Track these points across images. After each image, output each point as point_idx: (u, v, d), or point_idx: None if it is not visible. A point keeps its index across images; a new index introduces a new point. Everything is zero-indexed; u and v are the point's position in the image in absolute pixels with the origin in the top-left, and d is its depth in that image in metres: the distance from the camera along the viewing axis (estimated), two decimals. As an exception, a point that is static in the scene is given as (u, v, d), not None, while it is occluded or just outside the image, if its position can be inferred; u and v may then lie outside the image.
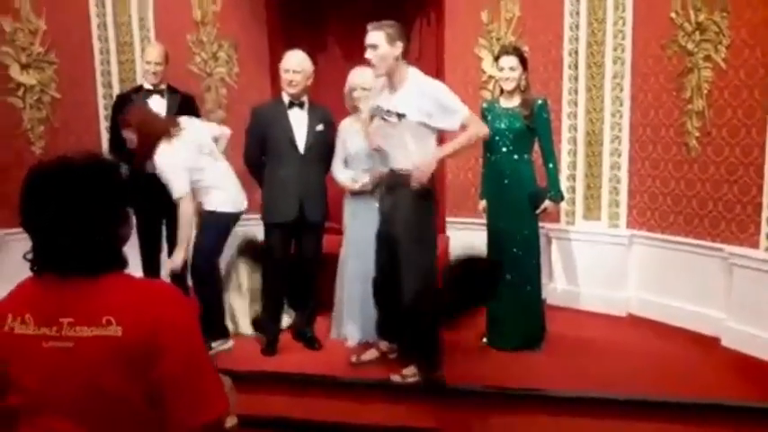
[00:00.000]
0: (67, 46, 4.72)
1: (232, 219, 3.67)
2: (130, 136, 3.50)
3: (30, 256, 1.34)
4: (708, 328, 3.86)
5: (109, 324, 1.24)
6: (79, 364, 1.24)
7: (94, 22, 4.79)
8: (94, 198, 1.30)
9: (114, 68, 4.84)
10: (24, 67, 4.59)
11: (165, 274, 4.03)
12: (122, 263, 1.37)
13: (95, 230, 1.30)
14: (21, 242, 1.37)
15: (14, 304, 1.31)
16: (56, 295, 1.29)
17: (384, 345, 3.53)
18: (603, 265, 4.36)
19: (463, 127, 3.07)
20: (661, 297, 4.16)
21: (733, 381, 3.34)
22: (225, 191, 3.60)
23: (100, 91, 4.86)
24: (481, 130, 3.16)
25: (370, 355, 3.53)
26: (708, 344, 3.78)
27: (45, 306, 1.29)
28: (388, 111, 3.07)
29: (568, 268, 4.54)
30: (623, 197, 4.33)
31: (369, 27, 3.10)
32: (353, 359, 3.52)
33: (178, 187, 3.41)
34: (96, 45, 4.83)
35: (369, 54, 3.07)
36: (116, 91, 4.73)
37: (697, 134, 3.89)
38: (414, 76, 3.11)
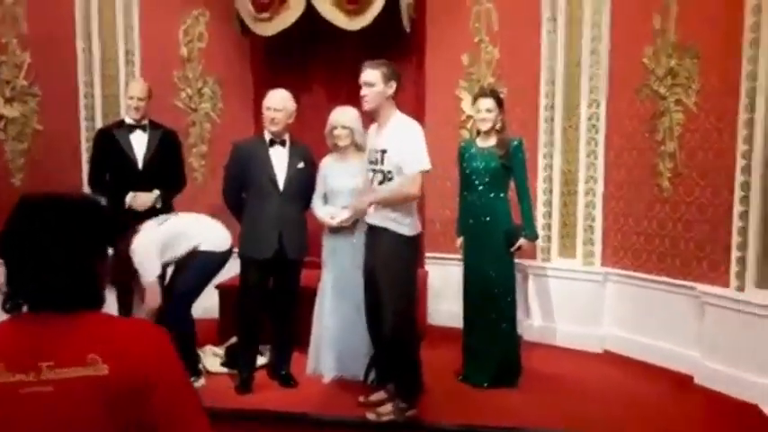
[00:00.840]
0: (52, 79, 4.78)
1: (218, 259, 3.69)
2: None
3: (3, 290, 1.28)
4: (681, 366, 3.91)
5: (94, 362, 1.20)
6: (61, 409, 1.19)
7: (80, 56, 4.86)
8: (82, 233, 1.28)
9: (98, 102, 4.90)
10: (8, 100, 4.64)
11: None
12: (101, 300, 1.34)
13: (80, 266, 1.27)
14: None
15: None
16: (30, 337, 1.23)
17: (392, 387, 3.43)
18: (579, 301, 4.41)
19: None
20: (635, 334, 4.22)
21: (705, 421, 3.38)
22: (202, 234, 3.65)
23: (83, 124, 4.91)
24: (413, 191, 3.13)
25: (378, 396, 3.46)
26: (681, 382, 3.83)
27: (19, 350, 1.22)
28: (375, 149, 3.21)
29: (545, 305, 4.59)
30: (598, 235, 4.41)
31: (365, 65, 3.20)
32: (361, 399, 3.47)
33: (150, 270, 3.44)
34: (81, 78, 4.90)
35: (364, 91, 3.17)
36: (99, 124, 4.77)
37: (669, 175, 4.00)
38: (398, 116, 3.24)
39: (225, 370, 3.92)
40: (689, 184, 3.91)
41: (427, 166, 3.14)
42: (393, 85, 3.17)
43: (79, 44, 4.85)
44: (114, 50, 4.88)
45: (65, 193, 1.32)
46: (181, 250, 3.58)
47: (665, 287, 4.05)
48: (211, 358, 4.02)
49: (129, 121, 3.98)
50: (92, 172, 4.08)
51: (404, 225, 3.18)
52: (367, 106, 3.21)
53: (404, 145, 3.13)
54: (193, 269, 3.61)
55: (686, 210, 3.93)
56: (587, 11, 4.26)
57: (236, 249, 3.76)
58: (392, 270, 3.18)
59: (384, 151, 3.17)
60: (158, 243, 3.49)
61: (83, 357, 1.20)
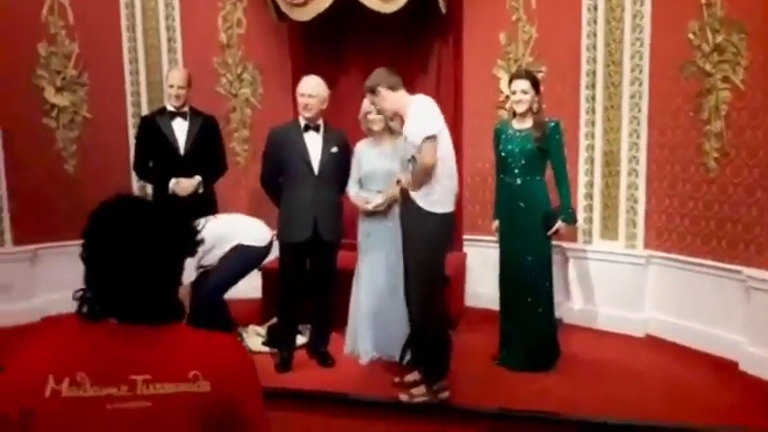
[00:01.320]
0: (99, 68, 4.93)
1: (257, 254, 3.79)
2: None
3: (79, 295, 1.18)
4: (726, 351, 3.81)
5: (196, 379, 1.15)
6: (156, 426, 1.13)
7: (126, 45, 5.00)
8: (175, 240, 1.22)
9: (143, 89, 5.04)
10: (58, 89, 4.82)
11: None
12: (184, 311, 1.27)
13: (172, 274, 1.22)
14: (55, 257, 1.36)
15: (54, 361, 1.12)
16: (118, 349, 1.14)
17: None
18: (621, 285, 4.33)
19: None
20: (679, 318, 4.12)
21: (750, 407, 3.29)
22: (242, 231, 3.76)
23: (129, 111, 5.06)
24: (425, 160, 3.08)
25: (413, 376, 3.49)
26: (725, 368, 3.73)
27: (106, 362, 1.13)
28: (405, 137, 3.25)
29: (586, 288, 4.52)
30: (640, 217, 4.30)
31: (366, 89, 3.34)
32: (396, 380, 3.51)
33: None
34: (127, 67, 5.03)
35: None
36: (144, 111, 4.91)
37: (715, 155, 3.86)
38: (410, 101, 3.27)
39: (266, 349, 4.03)
40: (736, 165, 3.76)
41: (429, 131, 3.09)
42: (398, 87, 3.27)
43: (124, 33, 4.97)
44: (157, 38, 5.00)
45: (147, 199, 1.31)
46: (219, 253, 3.68)
47: (711, 270, 3.93)
48: (254, 338, 4.14)
49: (170, 108, 4.09)
50: (137, 158, 4.22)
51: (430, 200, 3.16)
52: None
53: (408, 122, 3.18)
54: (232, 261, 3.71)
55: (734, 191, 3.79)
56: (629, -14, 4.12)
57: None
58: (419, 252, 3.20)
59: (406, 138, 3.21)
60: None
61: (184, 373, 1.15)
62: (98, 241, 1.18)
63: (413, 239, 3.23)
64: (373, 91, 3.27)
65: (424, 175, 3.13)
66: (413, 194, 3.18)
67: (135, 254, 1.15)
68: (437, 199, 3.18)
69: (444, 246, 3.36)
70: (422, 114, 3.15)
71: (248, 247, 3.73)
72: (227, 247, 3.68)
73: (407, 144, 3.20)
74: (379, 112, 3.48)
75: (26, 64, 4.71)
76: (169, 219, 1.23)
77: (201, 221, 3.71)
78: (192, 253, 1.27)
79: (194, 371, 1.15)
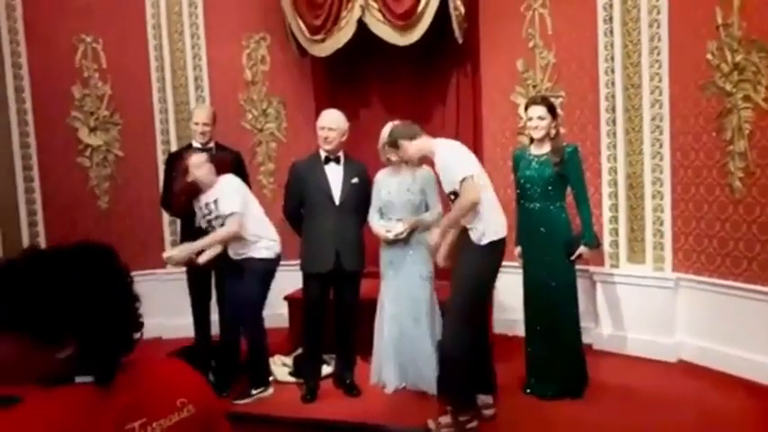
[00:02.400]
0: (130, 108, 5.12)
1: (273, 265, 3.84)
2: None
3: (62, 356, 1.12)
4: (761, 376, 3.70)
5: (184, 405, 1.21)
6: None
7: (155, 85, 5.19)
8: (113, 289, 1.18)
9: (172, 127, 5.20)
10: (92, 129, 5.01)
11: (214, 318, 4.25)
12: (134, 344, 1.23)
13: (120, 317, 1.19)
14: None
15: None
16: (104, 403, 1.12)
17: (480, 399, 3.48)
18: (650, 308, 4.25)
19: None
20: (712, 343, 4.02)
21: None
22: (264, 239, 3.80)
23: (159, 148, 5.22)
24: (468, 198, 3.12)
25: (447, 419, 3.39)
26: (763, 394, 3.61)
27: (99, 422, 1.10)
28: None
29: (614, 312, 4.45)
30: (667, 240, 4.24)
31: (389, 146, 3.49)
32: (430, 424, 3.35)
33: (234, 203, 3.65)
34: (156, 106, 5.21)
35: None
36: (173, 148, 5.06)
37: (740, 175, 3.80)
38: (434, 145, 3.35)
39: (293, 379, 4.05)
40: (762, 184, 3.69)
41: (467, 171, 3.15)
42: (418, 135, 3.34)
43: (153, 74, 5.16)
44: (184, 78, 5.17)
45: (68, 245, 1.18)
46: (222, 210, 3.70)
47: (742, 293, 3.84)
48: (281, 368, 4.17)
49: (196, 144, 4.21)
50: (164, 194, 4.34)
51: (475, 230, 3.22)
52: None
53: (440, 170, 3.28)
54: (250, 277, 3.77)
55: (761, 212, 3.72)
56: (644, 9, 4.12)
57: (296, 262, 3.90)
58: (458, 280, 3.26)
59: (439, 182, 3.34)
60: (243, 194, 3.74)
61: (173, 404, 1.20)
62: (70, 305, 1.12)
63: (460, 269, 3.29)
64: (394, 144, 3.38)
65: (465, 213, 3.19)
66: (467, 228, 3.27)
67: (96, 307, 1.12)
68: (481, 229, 3.22)
69: (488, 277, 3.36)
70: (450, 161, 3.22)
71: (260, 259, 3.78)
72: (227, 210, 3.67)
73: (445, 184, 3.29)
74: (407, 161, 3.52)
75: (62, 106, 4.93)
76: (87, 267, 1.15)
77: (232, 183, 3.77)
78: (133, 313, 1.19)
79: (180, 398, 1.21)
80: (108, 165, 5.11)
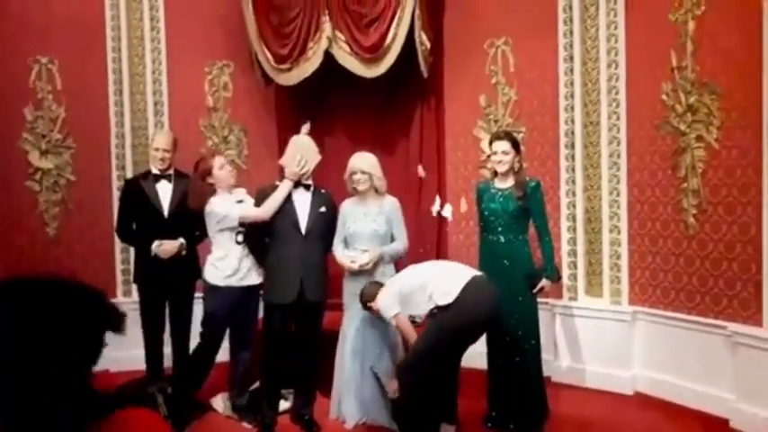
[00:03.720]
0: (85, 131, 4.94)
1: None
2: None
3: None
4: (716, 408, 3.78)
5: None
6: None
7: (112, 109, 5.02)
8: (73, 329, 1.04)
9: (128, 152, 5.03)
10: (43, 152, 4.83)
11: (167, 351, 4.10)
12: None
13: (70, 380, 1.05)
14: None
15: None
16: None
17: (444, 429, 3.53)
18: (608, 341, 4.32)
19: None
20: (667, 375, 4.10)
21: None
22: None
23: (114, 173, 5.04)
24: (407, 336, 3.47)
25: None
26: (716, 426, 3.69)
27: None
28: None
29: (573, 345, 4.50)
30: (624, 273, 4.34)
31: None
32: None
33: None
34: (113, 130, 5.03)
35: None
36: (129, 173, 4.91)
37: (694, 212, 3.94)
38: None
39: (235, 415, 3.90)
40: (715, 221, 3.83)
41: (395, 310, 3.43)
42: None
43: (111, 97, 5.02)
44: (143, 102, 5.04)
45: (45, 276, 1.05)
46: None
47: (696, 326, 3.95)
48: (223, 402, 4.01)
49: (155, 171, 4.10)
50: (119, 220, 4.20)
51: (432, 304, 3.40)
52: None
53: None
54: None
55: (714, 247, 3.85)
56: (603, 50, 4.28)
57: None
58: (429, 332, 3.38)
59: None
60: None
61: None
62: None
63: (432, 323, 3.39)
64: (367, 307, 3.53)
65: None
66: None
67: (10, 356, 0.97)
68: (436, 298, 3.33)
69: (459, 335, 3.35)
70: (385, 299, 3.41)
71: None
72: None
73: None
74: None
75: (12, 128, 4.74)
76: (68, 301, 1.03)
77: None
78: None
79: None
80: (59, 189, 4.91)
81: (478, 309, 3.28)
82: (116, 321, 1.10)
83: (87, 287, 1.09)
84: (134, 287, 4.41)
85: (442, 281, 3.35)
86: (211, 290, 3.72)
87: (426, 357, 3.28)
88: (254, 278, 3.77)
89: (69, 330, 1.01)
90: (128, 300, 4.67)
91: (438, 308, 3.31)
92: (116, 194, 4.95)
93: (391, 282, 3.51)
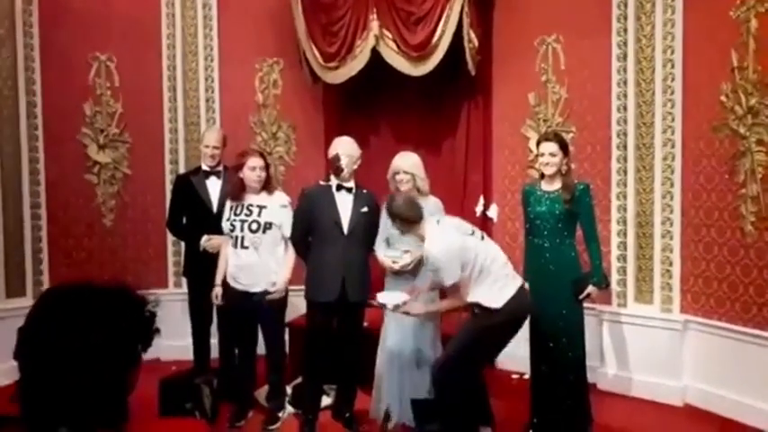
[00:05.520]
0: (140, 127, 5.12)
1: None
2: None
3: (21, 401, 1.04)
4: (770, 425, 3.62)
5: None
6: None
7: (166, 105, 5.18)
8: (118, 333, 1.08)
9: (181, 147, 5.19)
10: (101, 146, 5.01)
11: (214, 342, 4.20)
12: (123, 419, 1.13)
13: (111, 380, 1.09)
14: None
15: None
16: None
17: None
18: (656, 350, 4.19)
19: None
20: (719, 388, 3.94)
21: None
22: None
23: (167, 168, 5.20)
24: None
25: None
26: (770, 443, 3.54)
27: None
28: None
29: (620, 353, 4.38)
30: (676, 281, 4.18)
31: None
32: None
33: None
34: (167, 126, 5.20)
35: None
36: (182, 168, 5.05)
37: (752, 219, 3.76)
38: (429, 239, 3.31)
39: (291, 409, 3.99)
40: (775, 230, 3.66)
41: (454, 278, 3.22)
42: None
43: (165, 93, 5.17)
44: (196, 98, 5.17)
45: (99, 283, 1.11)
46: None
47: (752, 339, 3.77)
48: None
49: (204, 167, 4.19)
50: (170, 215, 4.32)
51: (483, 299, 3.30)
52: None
53: (430, 266, 3.31)
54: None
55: (773, 256, 3.68)
56: (658, 48, 4.12)
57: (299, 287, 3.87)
58: (468, 332, 3.33)
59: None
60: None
61: None
62: (25, 338, 1.05)
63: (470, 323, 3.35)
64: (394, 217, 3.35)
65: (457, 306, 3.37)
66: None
67: (59, 355, 1.01)
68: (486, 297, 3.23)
69: (497, 338, 3.31)
70: (440, 265, 3.19)
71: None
72: (286, 233, 3.83)
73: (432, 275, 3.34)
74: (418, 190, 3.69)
75: (73, 122, 4.94)
76: (114, 307, 1.08)
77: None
78: (145, 347, 1.10)
79: None
80: (115, 182, 5.10)
81: (518, 316, 3.25)
82: (147, 337, 1.12)
83: (134, 297, 1.13)
84: (184, 280, 4.54)
85: (491, 281, 3.26)
86: None
87: (464, 357, 3.23)
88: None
89: (108, 341, 1.05)
90: (178, 291, 4.82)
91: (480, 307, 3.26)
92: (169, 189, 5.10)
93: (445, 232, 3.25)
